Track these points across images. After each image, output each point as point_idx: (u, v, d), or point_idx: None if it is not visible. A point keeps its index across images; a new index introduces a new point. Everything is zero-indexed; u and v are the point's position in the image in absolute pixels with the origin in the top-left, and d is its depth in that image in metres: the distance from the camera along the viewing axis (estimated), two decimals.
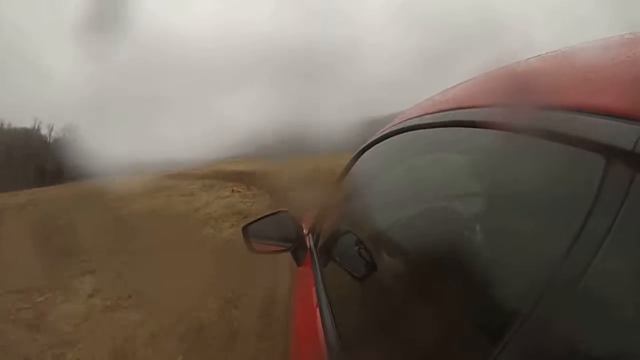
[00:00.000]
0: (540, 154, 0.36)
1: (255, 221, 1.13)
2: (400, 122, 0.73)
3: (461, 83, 0.62)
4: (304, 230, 1.15)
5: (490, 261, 0.41)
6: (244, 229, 1.09)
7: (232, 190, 7.04)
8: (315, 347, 0.68)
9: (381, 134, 0.83)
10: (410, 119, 0.69)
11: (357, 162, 1.01)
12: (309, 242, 1.13)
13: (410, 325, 0.52)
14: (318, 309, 0.77)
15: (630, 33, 0.39)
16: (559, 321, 0.27)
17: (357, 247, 0.73)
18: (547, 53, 0.47)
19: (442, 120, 0.55)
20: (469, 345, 0.39)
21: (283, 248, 1.07)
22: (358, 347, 0.60)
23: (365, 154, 0.95)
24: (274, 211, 1.15)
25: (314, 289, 0.87)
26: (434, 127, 0.59)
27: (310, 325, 0.76)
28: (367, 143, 0.93)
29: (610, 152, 0.27)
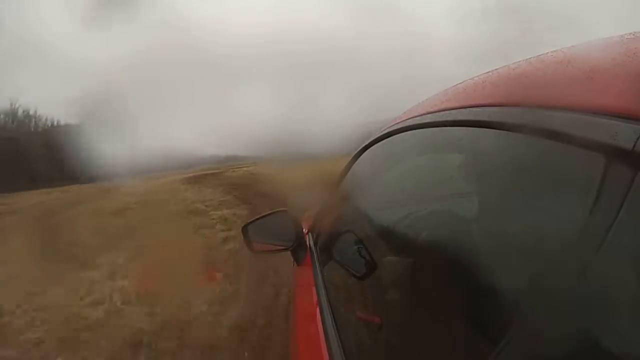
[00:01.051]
0: (540, 154, 0.36)
1: (255, 220, 1.13)
2: (401, 121, 0.73)
3: (462, 82, 0.62)
4: (304, 230, 1.15)
5: (490, 261, 0.41)
6: (244, 228, 1.09)
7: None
8: (315, 346, 0.68)
9: (381, 133, 0.83)
10: (411, 118, 0.68)
11: (357, 161, 1.01)
12: (309, 241, 1.13)
13: (410, 325, 0.52)
14: (318, 309, 0.77)
15: (631, 33, 0.39)
16: (559, 321, 0.27)
17: (357, 247, 0.73)
18: (547, 53, 0.47)
19: (443, 119, 0.55)
20: (469, 345, 0.39)
21: (283, 247, 1.07)
22: (358, 345, 0.60)
23: (366, 153, 0.95)
24: (274, 210, 1.15)
25: (314, 289, 0.87)
26: (434, 126, 0.59)
27: (310, 325, 0.76)
28: (367, 142, 0.93)
29: (610, 152, 0.27)
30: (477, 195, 0.55)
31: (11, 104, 21.26)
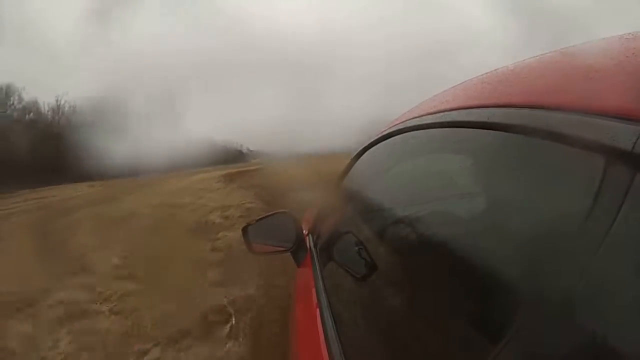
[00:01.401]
0: (539, 154, 0.36)
1: (255, 222, 1.13)
2: (401, 123, 0.73)
3: (461, 83, 0.62)
4: (304, 231, 1.15)
5: (490, 261, 0.41)
6: (244, 229, 1.09)
7: None
8: (315, 348, 0.68)
9: (381, 134, 0.83)
10: (411, 119, 0.69)
11: (357, 162, 1.01)
12: (309, 242, 1.13)
13: (411, 326, 0.52)
14: (318, 309, 0.77)
15: (630, 33, 0.39)
16: (559, 321, 0.27)
17: (357, 248, 0.73)
18: (546, 53, 0.47)
19: (443, 120, 0.55)
20: (469, 345, 0.39)
21: (283, 249, 1.07)
22: (358, 347, 0.60)
23: (366, 154, 0.95)
24: (274, 212, 1.15)
25: (314, 290, 0.87)
26: (434, 127, 0.59)
27: (310, 325, 0.76)
28: (367, 143, 0.93)
29: (609, 152, 0.27)
30: (476, 196, 0.55)
31: (57, 100, 21.65)
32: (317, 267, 0.96)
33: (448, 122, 0.54)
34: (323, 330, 0.69)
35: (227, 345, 1.82)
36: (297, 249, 1.08)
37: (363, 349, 0.60)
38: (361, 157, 0.98)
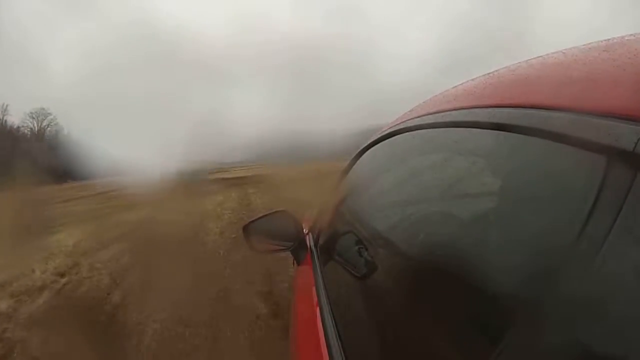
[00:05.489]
0: (540, 155, 0.36)
1: (255, 220, 1.13)
2: (401, 123, 0.73)
3: (462, 83, 0.62)
4: (304, 230, 1.15)
5: (491, 261, 0.41)
6: (245, 227, 1.10)
7: None
8: (315, 346, 0.69)
9: (381, 134, 0.83)
10: (411, 119, 0.69)
11: (358, 162, 1.01)
12: (309, 241, 1.13)
13: (410, 324, 0.52)
14: (318, 309, 0.77)
15: (631, 34, 0.39)
16: (559, 322, 0.27)
17: (357, 247, 0.73)
18: (548, 54, 0.47)
19: (443, 120, 0.55)
20: (469, 346, 0.39)
21: (283, 247, 1.08)
22: (358, 345, 0.60)
23: (366, 154, 0.95)
24: (275, 210, 1.15)
25: (314, 289, 0.87)
26: (434, 127, 0.59)
27: (310, 325, 0.77)
28: (367, 143, 0.93)
29: (610, 153, 0.27)
30: (476, 196, 0.56)
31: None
32: (317, 266, 0.96)
33: (448, 122, 0.54)
34: (323, 329, 0.69)
35: None
36: (298, 247, 1.08)
37: (363, 347, 0.60)
38: (361, 157, 0.98)
